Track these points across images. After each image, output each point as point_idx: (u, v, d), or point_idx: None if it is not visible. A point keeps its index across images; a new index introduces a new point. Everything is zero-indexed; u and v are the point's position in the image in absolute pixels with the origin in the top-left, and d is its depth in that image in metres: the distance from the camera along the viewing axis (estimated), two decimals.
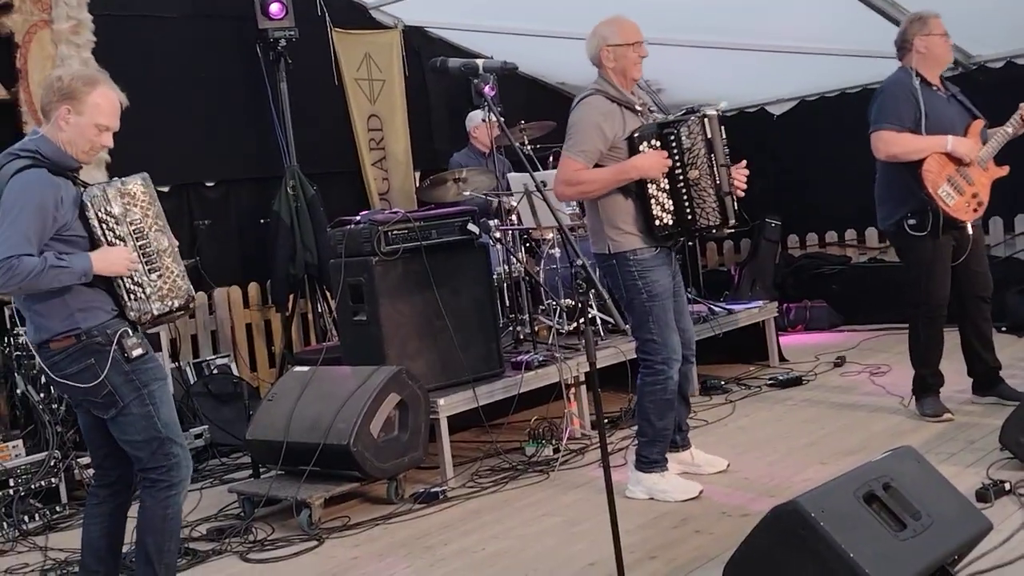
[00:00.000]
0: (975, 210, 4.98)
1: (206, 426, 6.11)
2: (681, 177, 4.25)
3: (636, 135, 4.29)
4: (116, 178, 3.51)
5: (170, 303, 3.51)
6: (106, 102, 3.45)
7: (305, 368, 5.33)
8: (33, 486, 5.11)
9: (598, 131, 4.29)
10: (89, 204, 3.39)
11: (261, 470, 5.34)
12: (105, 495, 3.68)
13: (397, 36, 8.15)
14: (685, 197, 4.26)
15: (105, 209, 3.41)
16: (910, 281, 5.14)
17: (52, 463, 5.18)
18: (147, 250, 3.46)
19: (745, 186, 4.42)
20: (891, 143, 4.93)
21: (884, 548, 2.91)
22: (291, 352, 7.00)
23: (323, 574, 4.11)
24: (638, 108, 4.43)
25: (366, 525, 4.61)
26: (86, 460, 5.36)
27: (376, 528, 4.58)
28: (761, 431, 5.42)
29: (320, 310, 7.27)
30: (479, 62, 3.73)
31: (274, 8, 6.99)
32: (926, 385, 5.22)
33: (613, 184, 4.30)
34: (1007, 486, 3.93)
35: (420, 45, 8.27)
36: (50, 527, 5.03)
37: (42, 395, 5.29)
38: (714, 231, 4.42)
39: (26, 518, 4.99)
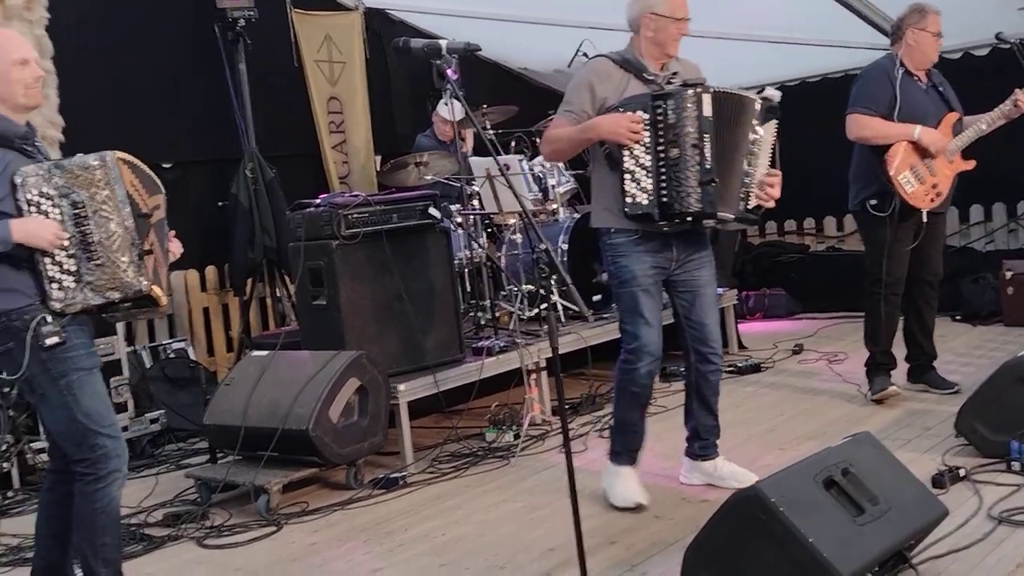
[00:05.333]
0: (932, 200, 5.08)
1: (162, 411, 6.04)
2: (662, 155, 3.88)
3: (623, 103, 3.94)
4: (79, 155, 3.33)
5: (108, 295, 3.31)
6: (4, 40, 3.36)
7: (263, 353, 5.28)
8: None
9: (588, 90, 4.02)
10: (20, 184, 3.23)
11: (218, 455, 5.29)
12: (52, 481, 3.59)
13: (358, 18, 8.07)
14: (663, 177, 3.89)
15: (40, 189, 3.24)
16: (869, 260, 5.24)
17: (4, 448, 5.09)
18: (89, 237, 3.27)
19: (775, 194, 4.03)
20: (862, 126, 5.05)
21: (843, 533, 2.94)
22: (249, 336, 6.92)
23: (281, 559, 4.07)
24: (650, 77, 4.04)
25: (325, 511, 4.57)
26: (39, 445, 5.29)
27: (335, 513, 4.54)
28: (720, 418, 5.41)
29: (279, 294, 7.19)
30: (442, 43, 3.69)
31: None
32: (876, 364, 5.33)
33: (578, 143, 4.07)
34: (962, 472, 3.98)
35: (381, 27, 8.19)
36: (2, 512, 4.94)
37: None
38: (691, 219, 3.94)
39: None
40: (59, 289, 3.28)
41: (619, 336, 4.23)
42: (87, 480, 3.38)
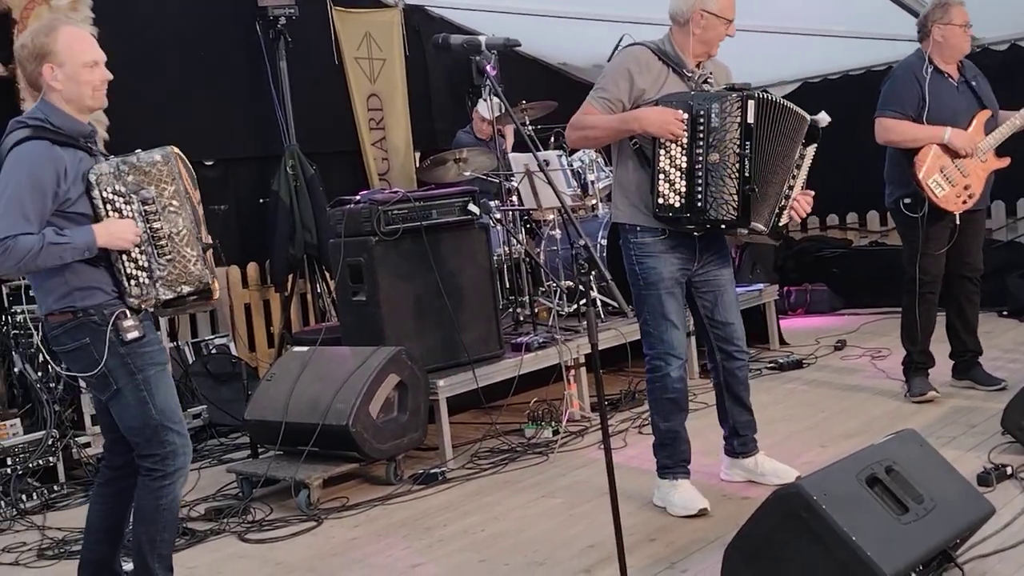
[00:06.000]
0: (964, 202, 4.98)
1: (204, 406, 6.10)
2: (700, 157, 3.78)
3: (663, 100, 3.85)
4: (139, 151, 3.34)
5: (179, 289, 3.36)
6: (76, 40, 3.32)
7: (304, 348, 5.31)
8: (31, 465, 5.09)
9: (627, 79, 3.90)
10: (95, 182, 3.25)
11: (259, 450, 5.33)
12: (110, 476, 3.61)
13: (398, 15, 8.10)
14: (700, 181, 3.78)
15: (113, 187, 3.26)
16: (905, 258, 5.18)
17: (50, 442, 5.16)
18: (159, 233, 3.31)
19: (804, 211, 4.01)
20: (889, 130, 4.98)
21: (886, 531, 2.90)
22: (290, 332, 6.98)
23: (322, 554, 4.10)
24: (688, 74, 3.96)
25: (365, 506, 4.59)
26: (84, 440, 5.36)
27: (375, 509, 4.56)
28: (762, 414, 5.35)
29: (319, 290, 7.25)
30: (482, 39, 3.69)
31: None
32: (913, 364, 5.28)
33: (617, 133, 3.93)
34: (1009, 470, 3.92)
35: (420, 24, 8.21)
36: (48, 506, 5.01)
37: (40, 374, 5.26)
38: (724, 226, 3.87)
39: (24, 497, 4.98)
40: (136, 285, 3.32)
41: None
42: (154, 476, 3.40)
